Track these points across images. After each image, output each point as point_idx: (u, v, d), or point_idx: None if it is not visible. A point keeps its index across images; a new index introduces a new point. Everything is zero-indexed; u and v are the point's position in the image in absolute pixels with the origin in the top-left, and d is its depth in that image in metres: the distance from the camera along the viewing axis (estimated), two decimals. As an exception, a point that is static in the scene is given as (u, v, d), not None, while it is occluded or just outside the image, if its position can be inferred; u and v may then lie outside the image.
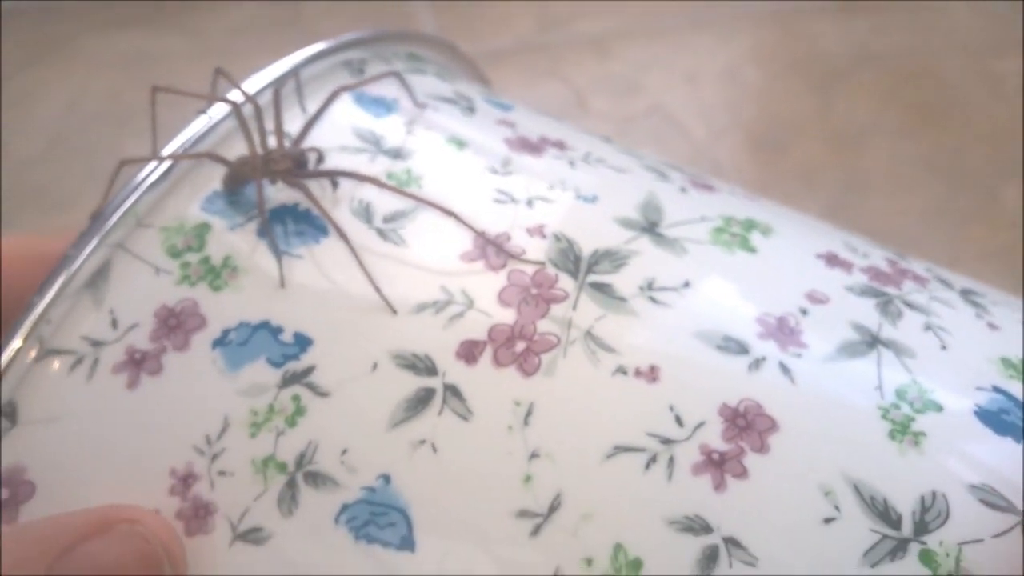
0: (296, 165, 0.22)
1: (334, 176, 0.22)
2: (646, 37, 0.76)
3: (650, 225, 0.23)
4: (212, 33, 0.76)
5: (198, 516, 0.20)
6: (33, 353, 0.20)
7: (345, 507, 0.19)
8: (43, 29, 0.77)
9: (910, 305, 0.22)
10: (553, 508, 0.18)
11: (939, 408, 0.19)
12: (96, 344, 0.21)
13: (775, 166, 0.64)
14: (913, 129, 0.66)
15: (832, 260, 0.23)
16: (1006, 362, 0.21)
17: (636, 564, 0.18)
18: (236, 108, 0.23)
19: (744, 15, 0.78)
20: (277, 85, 0.24)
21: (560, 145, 0.26)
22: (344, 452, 0.19)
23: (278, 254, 0.21)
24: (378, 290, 0.20)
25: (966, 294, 0.23)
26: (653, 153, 0.29)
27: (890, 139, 0.66)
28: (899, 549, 0.17)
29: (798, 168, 0.64)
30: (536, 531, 0.18)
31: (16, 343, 0.20)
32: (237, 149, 0.23)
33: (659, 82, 0.71)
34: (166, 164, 0.22)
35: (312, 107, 0.25)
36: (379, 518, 0.19)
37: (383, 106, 0.25)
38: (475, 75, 0.33)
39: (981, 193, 0.61)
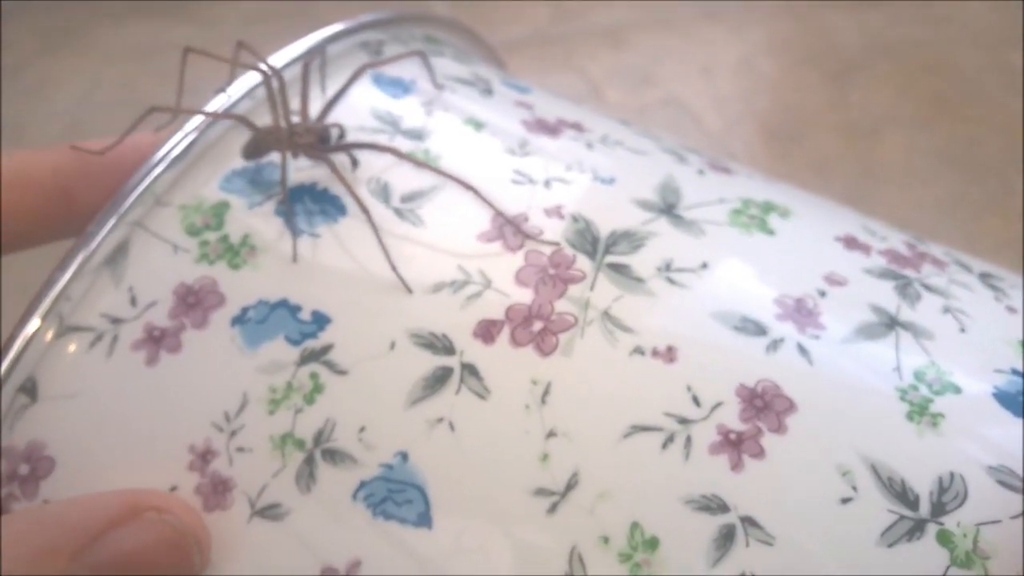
0: (320, 140, 0.22)
1: (355, 149, 0.22)
2: (661, 28, 0.76)
3: (668, 207, 0.22)
4: (226, 23, 0.76)
5: (216, 492, 0.20)
6: (53, 330, 0.21)
7: (363, 484, 0.19)
8: (59, 18, 0.77)
9: (929, 288, 0.22)
10: (570, 486, 0.18)
11: (957, 390, 0.19)
12: (115, 321, 0.21)
13: (789, 157, 0.64)
14: (928, 120, 0.66)
15: (851, 243, 0.23)
16: None
17: (653, 542, 0.18)
18: (266, 78, 0.23)
19: (759, 6, 0.78)
20: (305, 59, 0.24)
21: (577, 127, 0.26)
22: (362, 429, 0.19)
23: (294, 231, 0.21)
24: (395, 269, 0.20)
25: (985, 277, 0.23)
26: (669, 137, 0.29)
27: (905, 130, 0.65)
28: (916, 529, 0.17)
29: (812, 159, 0.63)
30: (553, 509, 0.18)
31: (36, 320, 0.20)
32: (260, 123, 0.23)
33: (673, 73, 0.71)
34: (196, 120, 0.22)
35: (331, 86, 0.25)
36: (396, 495, 0.19)
37: (401, 87, 0.25)
38: (492, 59, 0.33)
39: (996, 184, 0.61)
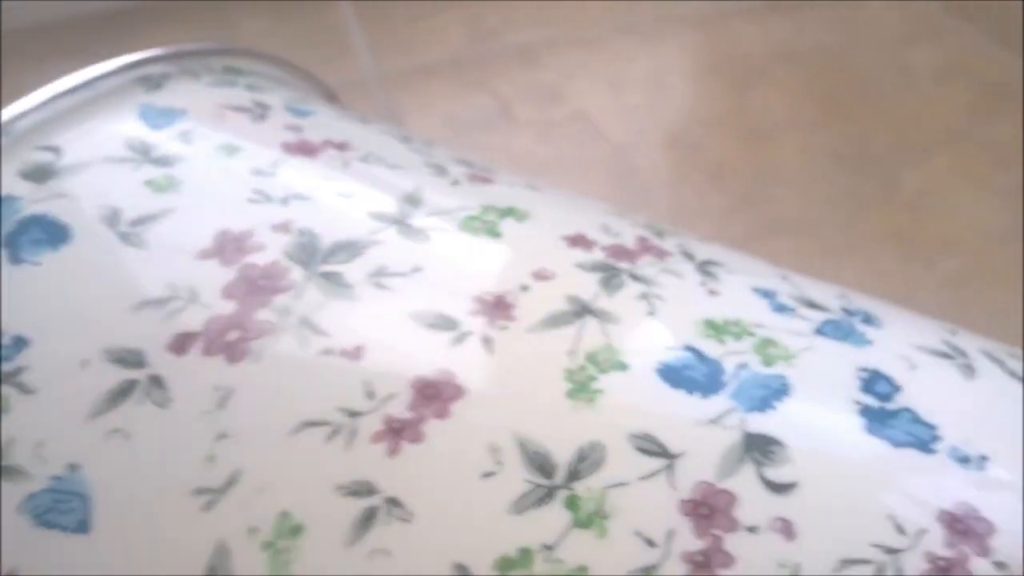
0: None
1: None
2: (575, 45, 0.78)
3: (402, 217, 0.24)
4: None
5: None
6: None
7: (31, 496, 0.20)
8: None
9: (636, 277, 0.23)
10: (230, 483, 0.19)
11: (623, 367, 0.20)
12: None
13: (688, 163, 0.65)
14: (824, 121, 0.67)
15: (576, 241, 0.24)
16: (709, 323, 0.22)
17: (297, 529, 0.19)
18: None
19: (670, 20, 0.79)
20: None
21: (342, 147, 0.27)
22: (39, 445, 0.20)
23: (12, 263, 0.23)
24: (94, 294, 0.22)
25: (704, 265, 0.24)
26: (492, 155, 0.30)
27: (802, 132, 0.66)
28: (547, 496, 0.18)
29: (709, 164, 0.64)
30: (208, 506, 0.19)
31: None
32: None
33: (583, 88, 0.73)
34: None
35: (104, 120, 0.26)
36: (61, 504, 0.20)
37: (168, 117, 0.27)
38: (310, 82, 0.35)
39: (884, 178, 0.62)
